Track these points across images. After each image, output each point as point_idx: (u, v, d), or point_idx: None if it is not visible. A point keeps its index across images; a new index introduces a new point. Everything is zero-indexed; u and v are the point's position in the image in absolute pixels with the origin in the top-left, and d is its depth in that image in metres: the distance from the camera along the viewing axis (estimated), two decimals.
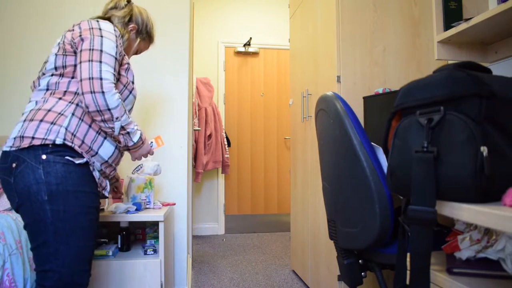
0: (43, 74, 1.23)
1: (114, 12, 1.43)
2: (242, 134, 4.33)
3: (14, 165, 1.08)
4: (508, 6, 1.08)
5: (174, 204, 2.22)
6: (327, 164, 1.37)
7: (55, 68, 1.21)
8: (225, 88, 4.31)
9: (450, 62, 1.19)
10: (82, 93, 1.14)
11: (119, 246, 1.99)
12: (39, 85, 1.22)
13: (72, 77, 1.21)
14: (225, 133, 4.17)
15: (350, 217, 1.24)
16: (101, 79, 1.14)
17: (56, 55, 1.21)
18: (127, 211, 1.89)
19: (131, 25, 1.48)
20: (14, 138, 1.11)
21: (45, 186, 1.08)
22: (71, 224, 1.12)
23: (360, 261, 1.34)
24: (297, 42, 2.71)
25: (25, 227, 1.14)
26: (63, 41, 1.23)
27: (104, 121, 1.18)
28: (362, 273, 1.33)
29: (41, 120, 1.12)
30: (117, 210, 1.85)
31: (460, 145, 0.75)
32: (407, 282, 0.94)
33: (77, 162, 1.15)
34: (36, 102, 1.18)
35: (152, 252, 1.93)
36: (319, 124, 1.42)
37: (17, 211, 1.14)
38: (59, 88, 1.20)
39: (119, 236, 1.98)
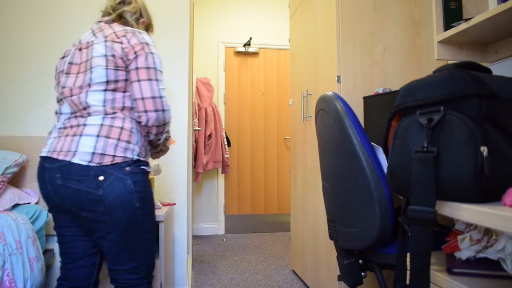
0: (89, 86, 1.21)
1: (124, 7, 1.39)
2: (242, 134, 4.33)
3: (101, 178, 1.15)
4: (508, 6, 1.08)
5: (174, 204, 2.22)
6: (327, 164, 1.37)
7: (107, 82, 1.22)
8: (225, 88, 4.31)
9: (450, 62, 1.19)
10: (146, 111, 1.21)
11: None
12: (86, 97, 1.21)
13: (124, 92, 1.25)
14: (225, 133, 4.17)
15: (350, 217, 1.24)
16: (161, 97, 1.23)
17: (106, 68, 1.21)
18: None
19: (142, 20, 1.46)
20: (93, 154, 1.15)
21: (136, 195, 1.20)
22: (151, 224, 1.27)
23: (360, 261, 1.34)
24: (297, 42, 2.71)
25: (107, 233, 1.20)
26: (113, 54, 1.22)
27: (157, 133, 1.28)
28: (362, 273, 1.33)
29: (118, 139, 1.19)
30: None
31: (460, 145, 0.75)
32: (407, 282, 0.94)
33: (148, 170, 1.28)
34: (103, 118, 1.21)
35: None
36: (319, 124, 1.42)
37: (92, 219, 1.19)
38: (117, 104, 1.23)
39: None
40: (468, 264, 0.89)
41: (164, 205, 2.14)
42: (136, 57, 1.22)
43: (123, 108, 1.24)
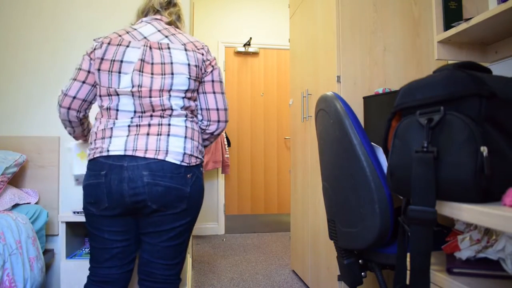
0: (169, 90, 1.24)
1: (170, 8, 1.42)
2: (242, 134, 4.33)
3: (189, 175, 1.23)
4: (508, 6, 1.08)
5: None
6: (327, 164, 1.37)
7: (187, 91, 1.27)
8: (225, 88, 4.31)
9: (450, 62, 1.19)
10: (218, 121, 1.36)
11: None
12: (169, 101, 1.24)
13: (194, 100, 1.34)
14: (225, 133, 4.17)
15: (350, 217, 1.24)
16: (226, 110, 1.39)
17: (189, 78, 1.27)
18: None
19: (181, 23, 1.49)
20: (184, 154, 1.22)
21: (203, 194, 1.31)
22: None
23: (360, 261, 1.34)
24: (297, 42, 2.71)
25: (171, 228, 1.24)
26: (196, 65, 1.28)
27: (214, 141, 1.45)
28: (362, 273, 1.33)
29: (198, 142, 1.30)
30: None
31: (460, 145, 0.75)
32: (407, 282, 0.94)
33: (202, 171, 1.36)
34: (185, 120, 1.28)
35: None
36: (319, 124, 1.42)
37: (165, 214, 1.22)
38: (190, 110, 1.32)
39: None
40: (468, 264, 0.89)
41: None
42: (212, 70, 1.33)
43: (193, 114, 1.34)
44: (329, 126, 1.31)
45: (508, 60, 1.41)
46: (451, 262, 0.92)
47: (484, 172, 0.71)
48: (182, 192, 1.21)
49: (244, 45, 4.29)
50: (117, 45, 1.25)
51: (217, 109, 1.34)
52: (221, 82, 1.36)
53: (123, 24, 2.42)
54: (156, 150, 1.18)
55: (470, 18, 1.25)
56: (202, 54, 1.31)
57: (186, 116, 1.28)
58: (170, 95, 1.23)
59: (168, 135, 1.21)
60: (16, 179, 2.22)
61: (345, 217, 1.28)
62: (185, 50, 1.27)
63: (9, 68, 2.34)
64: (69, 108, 1.29)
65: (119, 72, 1.22)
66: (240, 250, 3.50)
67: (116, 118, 1.23)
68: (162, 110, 1.23)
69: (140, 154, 1.17)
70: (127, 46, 1.24)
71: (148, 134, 1.20)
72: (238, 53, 4.33)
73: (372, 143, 1.22)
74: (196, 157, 1.27)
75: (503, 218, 0.64)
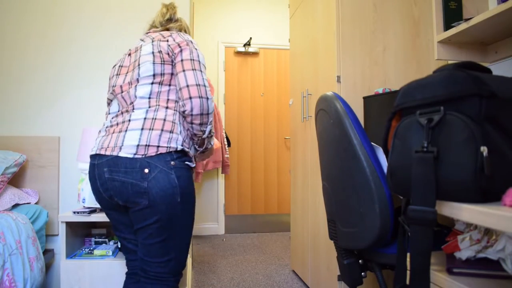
0: (137, 80, 1.29)
1: (170, 24, 1.49)
2: (242, 134, 4.33)
3: (146, 170, 1.18)
4: (508, 6, 1.08)
5: None
6: (327, 164, 1.37)
7: (154, 76, 1.28)
8: (225, 88, 4.31)
9: (450, 62, 1.19)
10: (190, 98, 1.25)
11: (119, 246, 1.99)
12: (135, 91, 1.28)
13: (169, 85, 1.31)
14: (225, 133, 4.17)
15: (350, 217, 1.24)
16: (205, 86, 1.29)
17: (153, 63, 1.28)
18: None
19: None
20: (137, 146, 1.19)
21: (178, 190, 1.22)
22: (190, 219, 1.30)
23: (360, 261, 1.34)
24: (297, 42, 2.71)
25: (146, 225, 1.24)
26: (159, 50, 1.30)
27: (201, 124, 1.30)
28: (362, 273, 1.33)
29: (162, 130, 1.23)
30: None
31: (460, 145, 0.75)
32: (407, 282, 0.94)
33: (192, 166, 1.30)
34: (146, 111, 1.26)
35: None
36: (319, 124, 1.42)
37: (135, 210, 1.23)
38: (162, 97, 1.29)
39: None
40: (468, 264, 0.89)
41: None
42: (181, 51, 1.31)
43: (167, 101, 1.29)
44: (329, 126, 1.31)
45: (508, 60, 1.41)
46: (451, 262, 0.92)
47: (484, 172, 0.71)
48: (139, 187, 1.18)
49: (244, 45, 4.29)
50: (113, 67, 1.46)
51: (187, 86, 1.26)
52: (192, 60, 1.30)
53: (122, 24, 2.42)
54: (114, 147, 1.21)
55: (470, 18, 1.25)
56: (167, 41, 1.33)
57: (149, 105, 1.26)
58: (137, 85, 1.28)
59: (126, 130, 1.23)
60: (16, 179, 2.22)
61: (345, 217, 1.28)
62: (152, 42, 1.33)
63: (8, 68, 2.34)
64: None
65: (110, 86, 1.42)
66: (240, 250, 3.50)
67: (105, 120, 1.36)
68: (130, 103, 1.29)
69: (103, 152, 1.23)
70: (116, 65, 1.44)
71: (113, 133, 1.26)
72: (238, 53, 4.33)
73: (372, 143, 1.22)
74: (158, 146, 1.19)
75: (503, 218, 0.64)
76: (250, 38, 4.24)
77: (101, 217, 1.85)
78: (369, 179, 1.15)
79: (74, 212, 1.83)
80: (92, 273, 1.80)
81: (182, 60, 1.29)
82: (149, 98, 1.27)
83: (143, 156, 1.18)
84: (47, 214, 2.11)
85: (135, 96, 1.27)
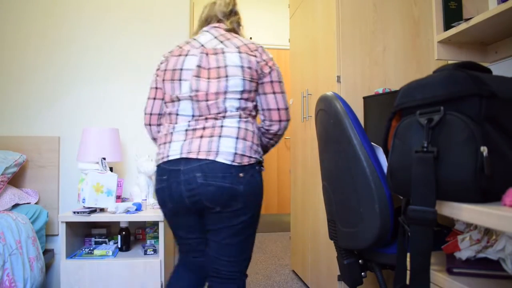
0: (225, 93, 1.27)
1: (232, 17, 1.47)
2: None
3: (241, 175, 1.23)
4: (508, 6, 1.08)
5: None
6: (327, 164, 1.37)
7: (242, 92, 1.29)
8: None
9: (450, 62, 1.19)
10: (280, 120, 1.36)
11: (119, 246, 1.99)
12: (224, 103, 1.28)
13: (253, 101, 1.34)
14: None
15: (350, 217, 1.24)
16: (287, 109, 1.38)
17: (243, 79, 1.28)
18: (127, 211, 1.89)
19: (241, 26, 1.53)
20: (234, 154, 1.23)
21: (262, 192, 1.31)
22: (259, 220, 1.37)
23: (360, 261, 1.34)
24: (297, 42, 2.71)
25: (232, 225, 1.27)
26: (249, 66, 1.29)
27: (278, 140, 1.45)
28: (362, 273, 1.33)
29: (252, 142, 1.29)
30: (117, 210, 1.85)
31: (460, 145, 0.75)
32: (407, 282, 0.94)
33: (263, 170, 1.36)
34: (238, 121, 1.28)
35: (152, 252, 1.93)
36: (319, 124, 1.42)
37: (223, 212, 1.26)
38: (248, 110, 1.32)
39: (119, 236, 1.99)
40: (468, 264, 0.89)
41: None
42: (270, 71, 1.33)
43: (252, 116, 1.35)
44: (329, 126, 1.31)
45: (508, 60, 1.41)
46: (451, 262, 0.92)
47: (484, 172, 0.71)
48: (235, 191, 1.22)
49: None
50: (178, 55, 1.34)
51: (278, 109, 1.35)
52: (280, 82, 1.36)
53: (122, 23, 2.42)
54: (208, 151, 1.21)
55: (470, 18, 1.25)
56: (255, 56, 1.32)
57: (240, 117, 1.28)
58: (225, 97, 1.27)
59: (220, 136, 1.24)
60: (16, 179, 2.22)
61: (345, 217, 1.28)
62: (239, 52, 1.30)
63: (9, 68, 2.34)
64: (149, 125, 1.41)
65: (180, 80, 1.30)
66: None
67: (176, 123, 1.30)
68: (217, 112, 1.27)
69: (193, 156, 1.21)
70: (186, 55, 1.33)
71: (201, 137, 1.24)
72: None
73: (372, 143, 1.22)
74: (249, 157, 1.26)
75: (503, 218, 0.64)
76: (250, 38, 4.24)
77: (101, 217, 1.85)
78: (369, 179, 1.15)
79: (74, 212, 1.83)
80: (92, 273, 1.80)
81: (272, 82, 1.33)
82: (237, 109, 1.29)
83: (239, 164, 1.23)
84: (47, 214, 2.11)
85: (225, 107, 1.27)
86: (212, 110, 1.27)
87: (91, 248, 1.93)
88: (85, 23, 2.40)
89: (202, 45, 1.34)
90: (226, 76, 1.27)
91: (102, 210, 1.93)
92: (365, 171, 1.16)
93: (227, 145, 1.22)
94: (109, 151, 2.06)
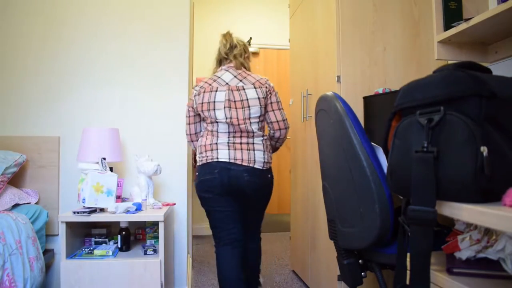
0: (249, 118, 1.84)
1: (234, 51, 2.00)
2: None
3: (269, 175, 1.89)
4: (508, 6, 1.08)
5: (174, 204, 2.22)
6: (327, 164, 1.37)
7: (260, 116, 1.87)
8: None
9: (450, 62, 1.19)
10: (280, 129, 1.95)
11: (119, 246, 1.99)
12: (251, 126, 1.85)
13: (263, 120, 1.93)
14: None
15: (350, 217, 1.24)
16: (286, 120, 1.96)
17: (260, 107, 1.86)
18: (127, 211, 1.89)
19: (246, 55, 2.07)
20: (264, 162, 1.85)
21: (272, 184, 1.94)
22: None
23: (360, 261, 1.34)
24: (297, 42, 2.71)
25: (261, 204, 1.97)
26: (263, 97, 1.87)
27: (282, 143, 2.06)
28: (362, 273, 1.33)
29: (270, 152, 1.92)
30: (117, 210, 1.85)
31: (460, 145, 0.75)
32: (407, 282, 0.94)
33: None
34: (262, 139, 1.88)
35: (152, 252, 1.93)
36: (319, 124, 1.43)
37: (258, 195, 1.89)
38: (263, 130, 1.93)
39: (119, 236, 1.98)
40: (468, 264, 0.89)
41: (164, 205, 2.14)
42: (271, 95, 1.91)
43: (264, 132, 1.93)
44: (329, 126, 1.31)
45: (508, 60, 1.41)
46: (451, 262, 0.92)
47: (484, 172, 0.71)
48: (265, 185, 1.88)
49: None
50: (210, 91, 1.87)
51: (277, 121, 1.93)
52: (278, 102, 1.93)
53: (122, 26, 2.42)
54: (249, 160, 1.82)
55: (470, 18, 1.25)
56: (266, 87, 1.89)
57: (262, 136, 1.89)
58: (250, 122, 1.84)
59: (254, 150, 1.84)
60: (16, 179, 2.22)
61: (345, 217, 1.28)
62: (254, 88, 1.87)
63: (9, 68, 2.34)
64: (192, 141, 2.00)
65: (214, 109, 1.84)
66: None
67: (218, 137, 1.85)
68: (247, 132, 1.84)
69: (239, 162, 1.81)
70: (216, 91, 1.86)
71: (241, 149, 1.83)
72: None
73: (372, 143, 1.22)
74: (268, 163, 1.90)
75: (503, 218, 0.64)
76: (250, 38, 4.24)
77: (101, 217, 1.85)
78: (369, 179, 1.15)
79: (74, 212, 1.83)
80: (92, 273, 1.80)
81: (272, 103, 1.91)
82: (259, 130, 1.88)
83: (266, 168, 1.87)
84: (47, 214, 2.11)
85: (252, 129, 1.84)
86: (243, 130, 1.83)
87: (91, 248, 1.93)
88: (86, 24, 2.40)
89: (227, 83, 1.88)
90: (249, 107, 1.84)
91: (102, 210, 1.93)
92: (365, 171, 1.16)
93: (259, 156, 1.84)
94: (109, 151, 2.06)
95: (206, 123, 1.89)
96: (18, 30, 2.35)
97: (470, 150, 0.73)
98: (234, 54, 1.97)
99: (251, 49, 4.29)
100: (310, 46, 2.39)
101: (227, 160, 1.80)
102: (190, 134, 1.99)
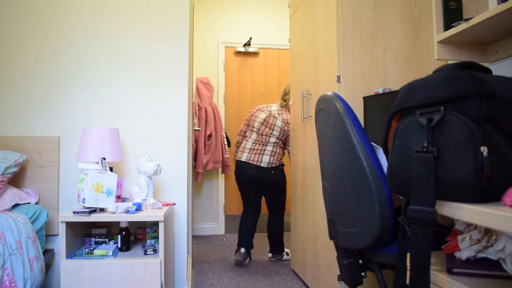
0: (270, 135, 3.04)
1: (285, 97, 3.16)
2: None
3: (272, 172, 3.01)
4: (508, 6, 1.08)
5: (174, 204, 2.22)
6: (327, 164, 1.37)
7: (277, 137, 3.04)
8: (225, 88, 4.31)
9: (450, 62, 1.19)
10: (288, 145, 3.09)
11: (119, 246, 1.99)
12: (269, 139, 3.05)
13: (280, 139, 3.07)
14: (225, 133, 4.17)
15: (350, 217, 1.24)
16: (289, 146, 2.96)
17: (279, 132, 3.03)
18: (127, 211, 1.89)
19: (287, 97, 3.21)
20: (268, 162, 3.00)
21: (284, 178, 3.13)
22: (285, 190, 3.19)
23: (360, 261, 1.34)
24: (297, 42, 2.71)
25: (274, 191, 3.11)
26: (284, 129, 3.04)
27: (289, 151, 3.04)
28: (362, 273, 1.33)
29: (278, 155, 3.06)
30: (117, 210, 1.85)
31: (460, 145, 0.75)
32: (407, 282, 0.94)
33: (283, 165, 3.15)
34: (272, 147, 3.05)
35: (152, 252, 1.93)
36: (319, 124, 1.43)
37: (268, 185, 3.07)
38: (278, 144, 3.06)
39: (119, 236, 1.98)
40: (468, 264, 0.89)
41: (164, 205, 2.13)
42: (288, 130, 3.04)
43: (278, 145, 3.07)
44: (329, 126, 1.31)
45: (508, 60, 1.41)
46: (451, 262, 0.92)
47: (484, 172, 0.71)
48: (267, 177, 3.01)
49: (244, 45, 4.29)
50: (261, 111, 3.13)
51: (288, 145, 3.07)
52: (289, 135, 3.04)
53: (122, 24, 2.42)
54: (258, 161, 2.99)
55: (470, 18, 1.25)
56: (287, 126, 3.05)
57: (273, 145, 3.03)
58: (270, 137, 3.02)
59: (263, 154, 3.01)
60: (16, 179, 2.22)
61: (345, 217, 1.28)
62: (282, 122, 3.04)
63: (9, 68, 2.34)
64: (239, 137, 3.26)
65: (254, 122, 3.10)
66: None
67: (247, 141, 3.08)
68: (265, 141, 3.02)
69: (251, 162, 3.01)
70: (261, 111, 3.12)
71: (255, 153, 3.02)
72: (238, 53, 4.33)
73: (372, 143, 1.22)
74: (272, 163, 3.01)
75: (503, 218, 0.64)
76: (250, 38, 4.24)
77: (101, 217, 1.85)
78: (369, 179, 1.15)
79: (74, 212, 1.83)
80: (92, 273, 1.80)
81: (288, 135, 3.06)
82: (273, 143, 3.03)
83: (270, 166, 2.97)
84: (47, 214, 2.11)
85: (268, 141, 3.02)
86: (264, 140, 3.01)
87: (91, 248, 1.93)
88: (86, 24, 2.40)
89: (270, 111, 3.09)
90: (273, 129, 3.03)
91: (102, 210, 1.93)
92: (365, 171, 1.16)
93: (265, 159, 3.00)
94: (109, 151, 2.06)
95: (248, 131, 3.16)
96: (18, 30, 2.35)
97: (470, 150, 0.73)
98: (284, 98, 3.16)
99: (251, 49, 4.31)
100: (310, 46, 2.39)
101: (245, 160, 3.03)
102: (240, 135, 3.27)
